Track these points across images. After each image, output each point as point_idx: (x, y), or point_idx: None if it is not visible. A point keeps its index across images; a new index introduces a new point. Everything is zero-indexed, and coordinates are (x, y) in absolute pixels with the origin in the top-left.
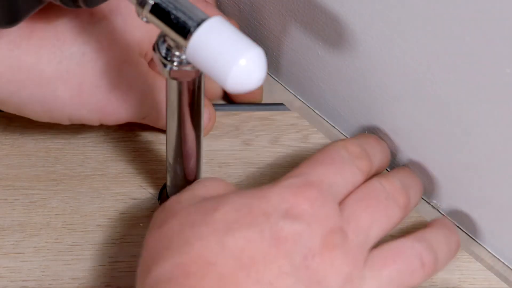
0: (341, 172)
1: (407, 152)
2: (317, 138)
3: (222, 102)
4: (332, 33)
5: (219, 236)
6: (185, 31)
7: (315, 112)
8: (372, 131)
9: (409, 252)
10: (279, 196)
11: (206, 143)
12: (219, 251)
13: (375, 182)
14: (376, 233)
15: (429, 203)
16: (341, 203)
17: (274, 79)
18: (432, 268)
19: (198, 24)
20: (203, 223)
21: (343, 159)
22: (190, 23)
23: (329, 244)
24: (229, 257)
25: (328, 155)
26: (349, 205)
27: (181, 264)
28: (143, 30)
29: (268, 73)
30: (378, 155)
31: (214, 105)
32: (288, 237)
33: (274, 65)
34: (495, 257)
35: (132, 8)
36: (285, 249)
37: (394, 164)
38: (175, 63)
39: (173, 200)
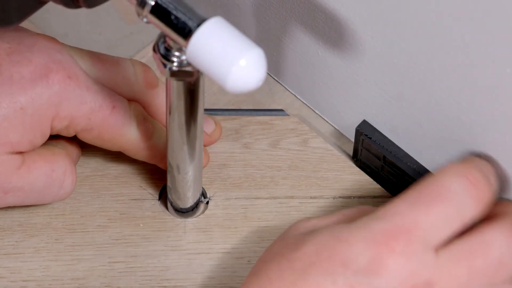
0: (446, 213)
1: (407, 152)
2: (317, 143)
3: (222, 107)
4: (332, 33)
5: (294, 276)
6: (185, 32)
7: (315, 112)
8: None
9: None
10: (362, 243)
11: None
12: None
13: (490, 235)
14: None
15: None
16: (441, 247)
17: (274, 79)
18: None
19: (198, 24)
20: (284, 258)
21: (454, 194)
22: (190, 23)
23: None
24: None
25: (435, 188)
26: (448, 255)
27: None
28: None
29: (268, 74)
30: (495, 182)
31: (214, 110)
32: None
33: (274, 65)
34: None
35: None
36: None
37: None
38: (175, 63)
39: (286, 232)
